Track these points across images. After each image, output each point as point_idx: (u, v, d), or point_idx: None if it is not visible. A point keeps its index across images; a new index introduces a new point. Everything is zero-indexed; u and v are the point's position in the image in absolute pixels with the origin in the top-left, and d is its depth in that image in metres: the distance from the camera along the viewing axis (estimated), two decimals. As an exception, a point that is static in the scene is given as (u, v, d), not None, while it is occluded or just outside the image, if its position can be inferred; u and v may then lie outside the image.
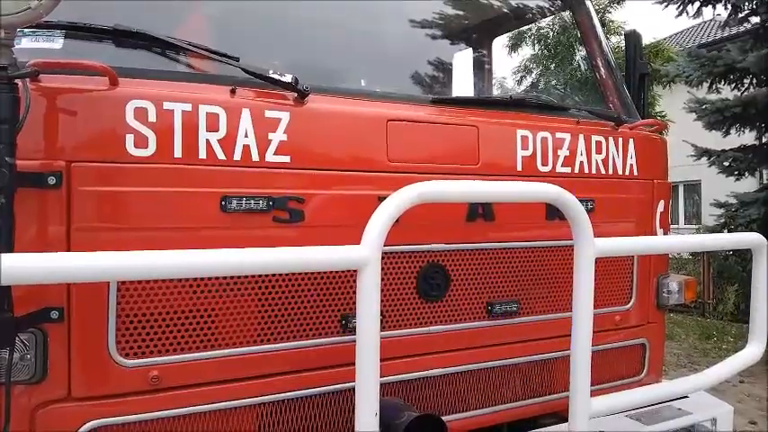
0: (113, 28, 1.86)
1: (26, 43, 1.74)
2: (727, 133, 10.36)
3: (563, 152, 2.48)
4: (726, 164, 10.31)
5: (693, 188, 18.75)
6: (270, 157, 1.89)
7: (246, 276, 1.85)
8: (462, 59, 3.75)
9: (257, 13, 2.47)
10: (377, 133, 2.08)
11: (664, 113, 13.02)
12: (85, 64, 1.68)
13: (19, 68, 1.54)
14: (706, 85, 10.48)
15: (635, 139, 2.70)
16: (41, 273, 1.21)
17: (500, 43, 4.42)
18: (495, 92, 4.64)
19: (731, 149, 10.35)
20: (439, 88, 3.07)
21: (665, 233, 2.80)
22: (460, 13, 3.35)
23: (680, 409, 2.52)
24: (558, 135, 2.47)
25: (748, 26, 10.79)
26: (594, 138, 2.57)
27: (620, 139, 2.65)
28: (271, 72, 1.93)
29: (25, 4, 1.44)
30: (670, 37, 21.62)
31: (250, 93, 1.93)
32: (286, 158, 1.92)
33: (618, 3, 15.86)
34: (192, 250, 1.37)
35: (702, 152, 10.57)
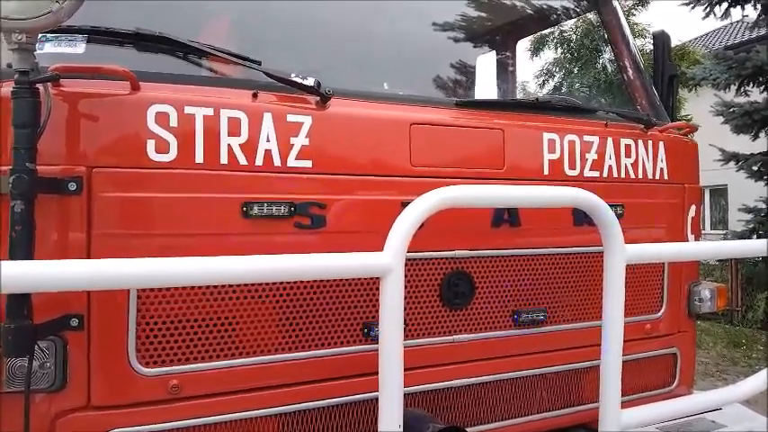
0: (135, 32, 1.84)
1: (49, 48, 1.74)
2: (755, 137, 10.12)
3: (591, 156, 2.42)
4: (754, 168, 10.07)
5: (720, 193, 18.39)
6: (292, 161, 1.87)
7: (267, 284, 1.82)
8: (486, 62, 3.71)
9: (278, 16, 2.45)
10: (400, 137, 2.05)
11: (689, 117, 12.78)
12: (106, 68, 1.67)
13: (40, 73, 1.53)
14: (734, 87, 10.26)
15: (665, 143, 2.63)
16: (62, 281, 1.20)
17: (524, 46, 4.37)
18: (520, 95, 4.58)
19: (760, 153, 10.11)
20: (462, 91, 3.03)
21: (696, 239, 2.72)
22: (484, 15, 3.30)
23: (713, 421, 2.44)
24: (586, 138, 2.41)
25: (778, 27, 10.56)
26: (624, 141, 2.50)
27: (650, 143, 2.58)
28: (293, 75, 1.91)
29: (46, 7, 1.43)
30: (696, 39, 21.29)
31: (272, 97, 1.90)
32: (308, 163, 1.89)
33: (642, 5, 15.65)
34: (212, 257, 1.35)
35: (730, 156, 10.33)
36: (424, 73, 2.84)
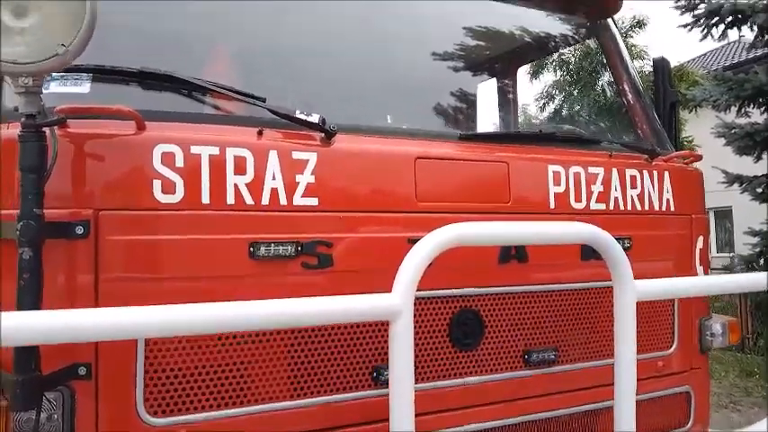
0: (139, 70, 1.84)
1: (54, 88, 1.73)
2: (758, 158, 10.08)
3: (597, 188, 2.39)
4: (758, 190, 10.01)
5: (724, 215, 18.33)
6: (298, 200, 1.84)
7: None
8: (487, 90, 3.71)
9: (278, 51, 2.44)
10: (405, 172, 2.03)
11: (691, 138, 12.80)
12: (112, 109, 1.66)
13: (47, 115, 1.52)
14: (734, 109, 10.25)
15: (670, 172, 2.60)
16: (69, 333, 1.17)
17: (524, 72, 4.38)
18: (521, 119, 4.57)
19: (763, 175, 10.07)
20: (464, 121, 3.02)
21: (705, 271, 2.67)
22: (483, 44, 3.31)
23: None
24: (591, 170, 2.38)
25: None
26: (629, 171, 2.48)
27: (656, 173, 2.55)
28: (297, 112, 1.90)
29: (53, 51, 1.42)
30: (694, 60, 21.43)
31: (277, 134, 1.89)
32: (314, 201, 1.87)
33: (640, 27, 15.78)
34: (211, 304, 1.32)
35: (734, 178, 10.27)
36: (426, 104, 2.83)
